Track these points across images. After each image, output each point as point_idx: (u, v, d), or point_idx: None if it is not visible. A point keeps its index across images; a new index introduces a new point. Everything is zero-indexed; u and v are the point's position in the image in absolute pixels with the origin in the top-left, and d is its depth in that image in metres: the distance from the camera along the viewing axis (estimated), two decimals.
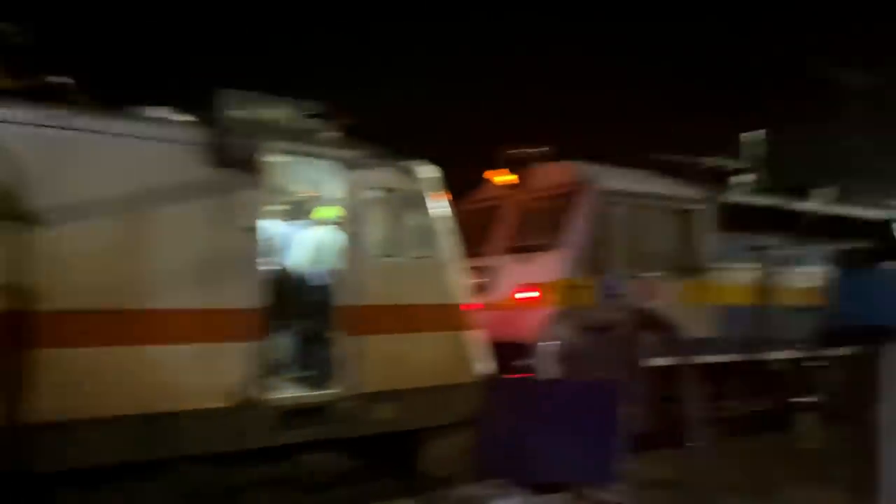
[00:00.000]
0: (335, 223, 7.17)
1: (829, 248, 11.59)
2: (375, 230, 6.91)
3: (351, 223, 6.68)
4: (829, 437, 9.11)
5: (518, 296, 8.92)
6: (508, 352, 7.56)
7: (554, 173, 9.82)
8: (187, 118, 6.37)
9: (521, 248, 9.34)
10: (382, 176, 6.93)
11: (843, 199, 12.60)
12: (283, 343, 7.07)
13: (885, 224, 12.60)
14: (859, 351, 3.64)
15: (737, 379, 10.24)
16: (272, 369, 6.47)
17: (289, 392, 6.51)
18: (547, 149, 10.15)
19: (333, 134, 6.99)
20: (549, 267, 8.87)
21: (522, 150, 10.12)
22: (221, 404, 5.86)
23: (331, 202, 7.45)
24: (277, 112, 6.90)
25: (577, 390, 2.44)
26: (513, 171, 10.19)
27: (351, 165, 6.73)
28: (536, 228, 9.53)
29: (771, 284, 10.75)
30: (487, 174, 10.55)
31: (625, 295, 7.57)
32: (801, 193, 11.95)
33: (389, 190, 7.00)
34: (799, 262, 11.21)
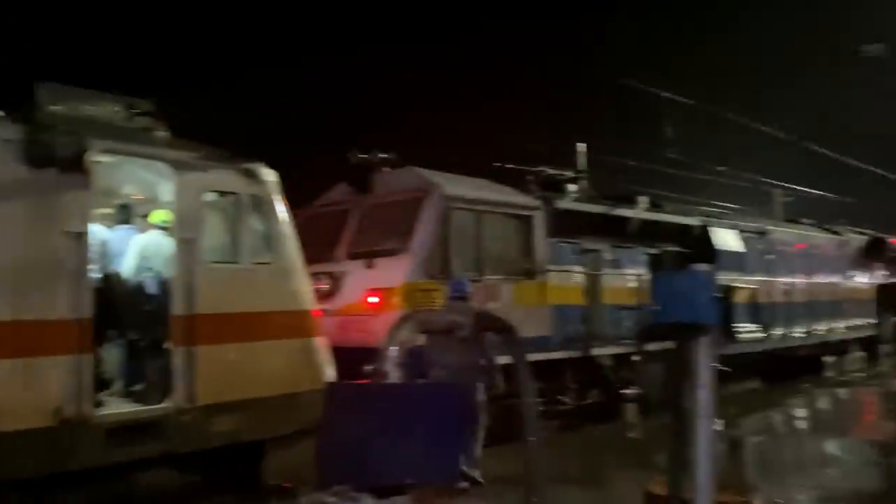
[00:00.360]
0: (166, 228, 6.81)
1: (650, 251, 12.64)
2: (210, 235, 6.63)
3: (183, 228, 6.36)
4: (652, 426, 9.92)
5: (368, 300, 8.94)
6: (355, 357, 7.55)
7: (399, 179, 9.94)
8: None
9: (367, 253, 9.35)
10: (218, 178, 6.67)
11: (660, 206, 13.77)
12: (112, 355, 6.62)
13: (697, 229, 13.88)
14: (675, 345, 4.00)
15: (570, 374, 10.86)
16: (100, 384, 6.04)
17: (118, 407, 6.10)
18: (393, 155, 10.26)
19: (164, 133, 6.64)
20: (394, 271, 8.95)
21: (368, 155, 10.15)
22: (43, 424, 5.38)
23: (162, 205, 7.08)
24: (103, 108, 6.45)
25: (421, 392, 2.50)
26: (358, 177, 10.20)
27: (183, 167, 6.42)
28: (382, 233, 9.60)
29: (599, 285, 11.52)
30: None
31: (470, 297, 7.84)
32: (627, 201, 12.92)
33: (225, 193, 6.75)
34: (623, 264, 12.09)
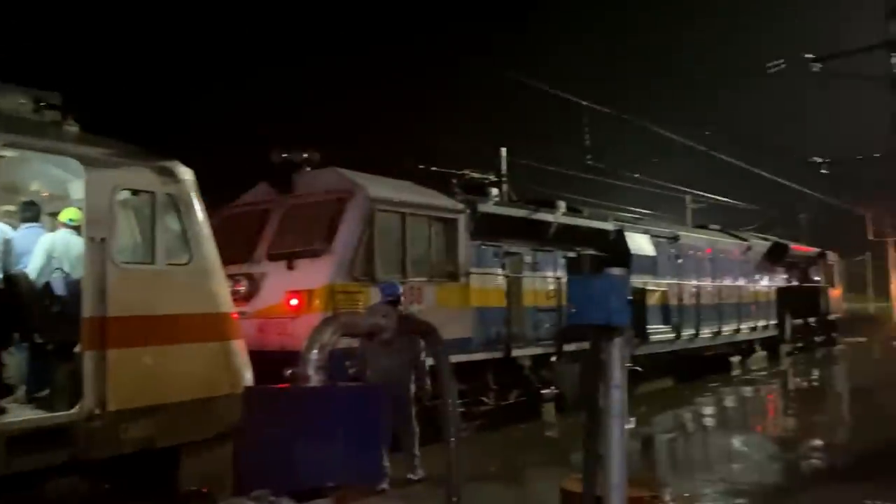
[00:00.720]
0: (76, 226, 6.54)
1: (568, 254, 12.97)
2: (124, 234, 6.41)
3: (94, 227, 6.10)
4: (570, 424, 10.18)
5: (289, 302, 8.81)
6: (275, 360, 7.42)
7: (323, 179, 9.84)
8: None
9: (288, 255, 9.21)
10: (132, 176, 6.44)
11: (578, 211, 14.13)
12: (16, 360, 6.31)
13: (613, 233, 14.31)
14: (588, 346, 4.13)
15: (491, 375, 11.02)
16: (2, 389, 5.74)
17: (22, 414, 5.81)
18: (316, 154, 10.13)
19: (74, 128, 6.37)
20: (316, 273, 8.86)
21: (291, 154, 9.99)
22: None
23: (72, 203, 6.79)
24: (8, 100, 6.15)
25: (341, 395, 2.50)
26: (281, 176, 10.03)
27: (95, 163, 6.17)
28: (304, 234, 9.47)
29: (520, 288, 11.73)
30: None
31: (401, 299, 7.93)
32: (547, 205, 13.20)
33: (139, 191, 6.52)
34: (543, 267, 12.36)
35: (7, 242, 6.39)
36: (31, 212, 6.93)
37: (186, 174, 6.85)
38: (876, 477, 7.73)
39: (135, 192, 6.55)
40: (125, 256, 6.35)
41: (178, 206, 6.68)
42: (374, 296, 9.03)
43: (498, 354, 11.05)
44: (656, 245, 15.35)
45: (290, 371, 2.68)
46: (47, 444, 5.64)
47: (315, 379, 2.74)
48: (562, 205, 13.45)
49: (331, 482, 2.56)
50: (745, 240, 20.92)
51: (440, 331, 8.37)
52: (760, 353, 20.96)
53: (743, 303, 19.02)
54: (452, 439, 2.86)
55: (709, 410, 13.18)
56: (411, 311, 8.78)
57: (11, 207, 7.05)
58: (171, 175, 6.68)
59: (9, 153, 5.92)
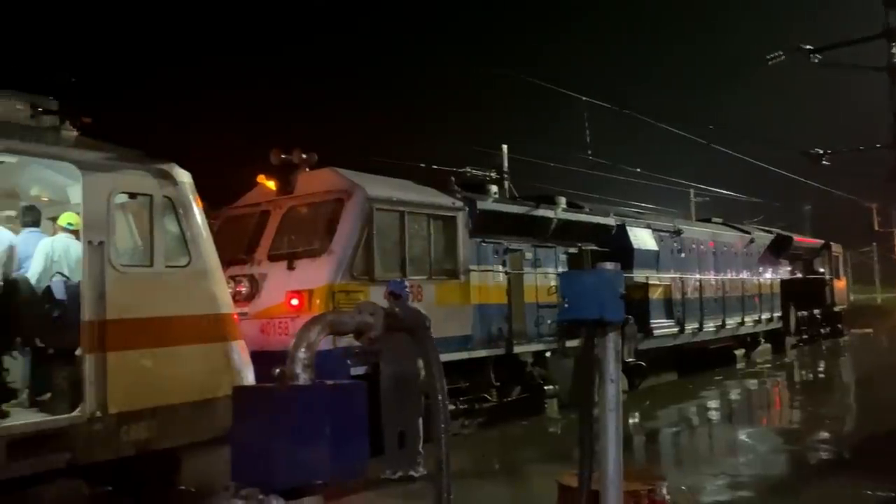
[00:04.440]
0: (74, 231, 6.58)
1: (569, 250, 12.96)
2: (122, 238, 6.44)
3: (92, 230, 6.13)
4: (573, 421, 10.18)
5: (290, 302, 8.84)
6: (276, 361, 7.44)
7: (322, 179, 9.86)
8: None
9: (288, 255, 9.25)
10: (129, 179, 6.46)
11: (579, 207, 14.10)
12: (17, 364, 6.35)
13: (615, 229, 14.27)
14: (582, 341, 4.13)
15: (493, 372, 11.03)
16: (4, 393, 5.78)
17: (23, 418, 5.85)
18: (314, 155, 10.14)
19: (71, 133, 6.39)
20: (316, 273, 8.89)
21: (290, 155, 10.00)
22: None
23: (70, 207, 6.83)
24: (6, 106, 6.18)
25: (326, 392, 2.53)
26: (280, 177, 10.04)
27: (92, 167, 6.19)
28: (303, 235, 9.51)
29: (520, 284, 11.74)
30: (258, 178, 10.28)
31: (406, 297, 7.96)
32: (548, 201, 13.18)
33: (137, 195, 6.55)
34: (544, 263, 12.36)
35: (11, 248, 6.43)
36: (31, 216, 6.97)
37: (184, 177, 6.87)
38: (877, 467, 7.72)
39: (132, 196, 6.57)
40: (124, 259, 6.38)
41: (176, 208, 6.70)
42: (375, 295, 9.05)
43: (499, 351, 11.06)
44: (659, 239, 15.31)
45: (277, 370, 2.70)
46: (48, 448, 5.68)
47: (302, 377, 2.77)
48: (562, 200, 13.41)
49: (318, 479, 2.59)
50: (748, 232, 20.86)
51: (440, 329, 8.39)
52: (765, 346, 20.91)
53: (746, 295, 18.97)
54: (442, 436, 2.88)
55: (713, 404, 13.17)
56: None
57: (12, 213, 7.09)
58: (169, 178, 6.71)
59: (7, 159, 5.95)
